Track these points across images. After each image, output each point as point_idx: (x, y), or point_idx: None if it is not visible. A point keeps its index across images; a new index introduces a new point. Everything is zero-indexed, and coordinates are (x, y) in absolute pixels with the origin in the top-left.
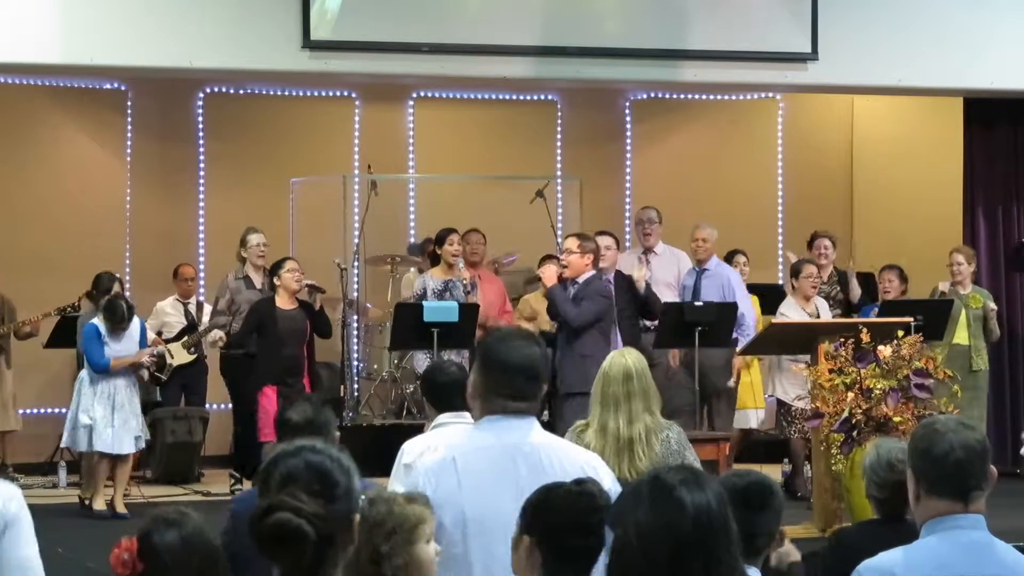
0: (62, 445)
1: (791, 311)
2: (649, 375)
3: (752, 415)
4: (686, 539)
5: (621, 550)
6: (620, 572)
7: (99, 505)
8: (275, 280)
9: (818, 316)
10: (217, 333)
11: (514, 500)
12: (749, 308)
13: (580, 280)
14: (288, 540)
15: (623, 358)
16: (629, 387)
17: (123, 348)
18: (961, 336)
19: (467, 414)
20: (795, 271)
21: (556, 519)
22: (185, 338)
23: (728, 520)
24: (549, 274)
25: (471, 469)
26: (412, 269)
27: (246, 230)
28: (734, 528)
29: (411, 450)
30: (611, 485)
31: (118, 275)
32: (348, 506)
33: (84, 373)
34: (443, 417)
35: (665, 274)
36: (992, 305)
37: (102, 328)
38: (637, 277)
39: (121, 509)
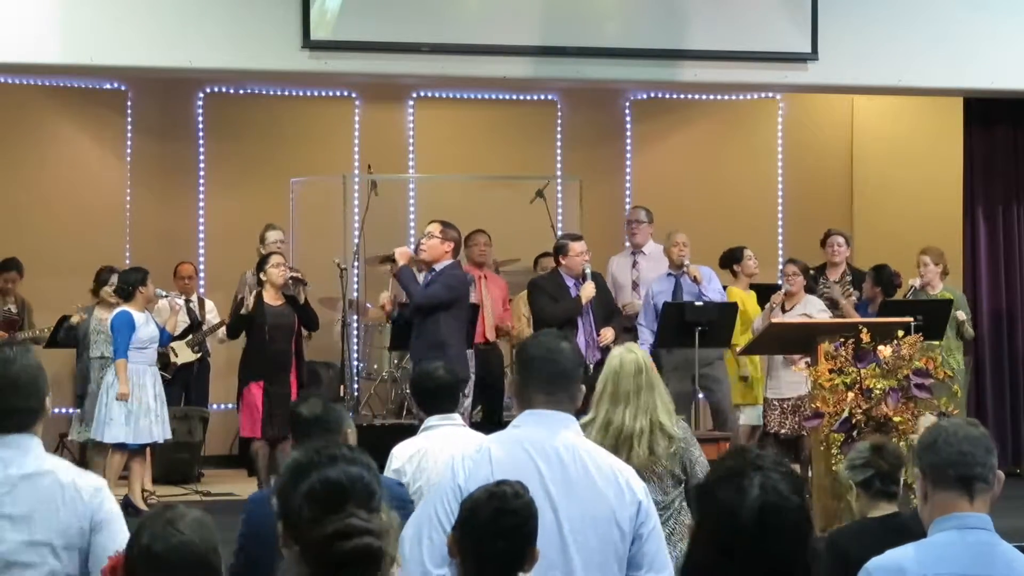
0: (96, 437)
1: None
2: (655, 370)
3: (755, 411)
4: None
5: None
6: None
7: None
8: (261, 276)
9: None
10: (224, 329)
11: (539, 496)
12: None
13: (437, 267)
14: (370, 564)
15: (632, 353)
16: (639, 381)
17: (151, 331)
18: None
19: (456, 416)
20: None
21: (470, 517)
22: (190, 336)
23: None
24: (401, 252)
25: (504, 460)
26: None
27: (265, 227)
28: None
29: (400, 454)
30: (643, 497)
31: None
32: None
33: (111, 369)
34: (432, 420)
35: (654, 274)
36: (962, 317)
37: (136, 316)
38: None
39: (142, 505)
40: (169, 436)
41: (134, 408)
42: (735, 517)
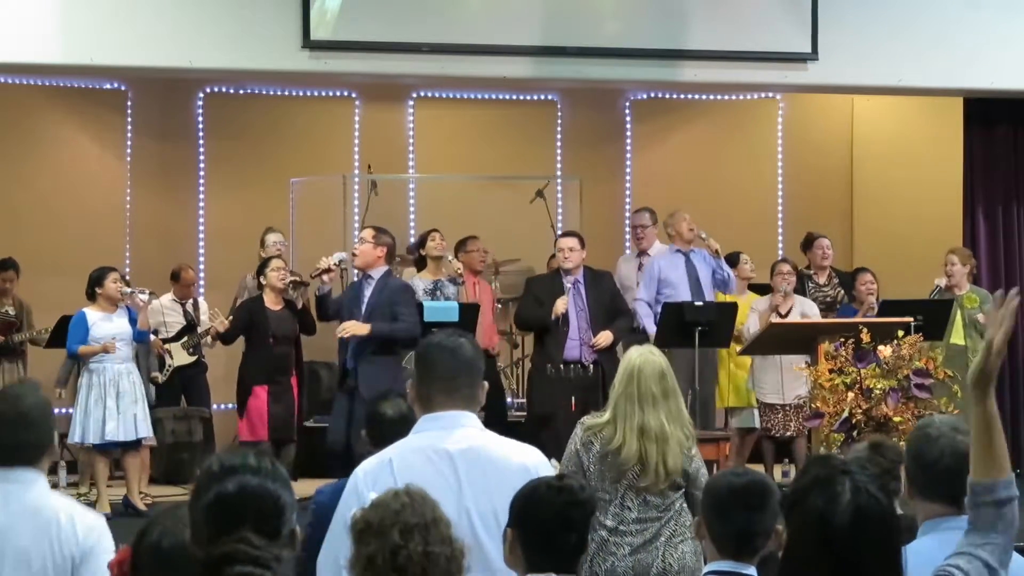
0: (73, 441)
1: (761, 304)
2: (673, 375)
3: (751, 413)
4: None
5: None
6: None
7: (103, 508)
8: (261, 280)
9: (786, 314)
10: (214, 330)
11: (449, 499)
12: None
13: (373, 274)
14: None
15: (655, 356)
16: (664, 385)
17: (114, 328)
18: (958, 336)
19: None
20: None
21: (535, 513)
22: (185, 339)
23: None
24: (353, 327)
25: (407, 469)
26: (411, 269)
27: (265, 230)
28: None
29: None
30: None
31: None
32: (292, 525)
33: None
34: None
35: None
36: (981, 318)
37: (89, 314)
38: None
39: (140, 506)
40: (146, 435)
41: (90, 407)
42: (829, 523)
